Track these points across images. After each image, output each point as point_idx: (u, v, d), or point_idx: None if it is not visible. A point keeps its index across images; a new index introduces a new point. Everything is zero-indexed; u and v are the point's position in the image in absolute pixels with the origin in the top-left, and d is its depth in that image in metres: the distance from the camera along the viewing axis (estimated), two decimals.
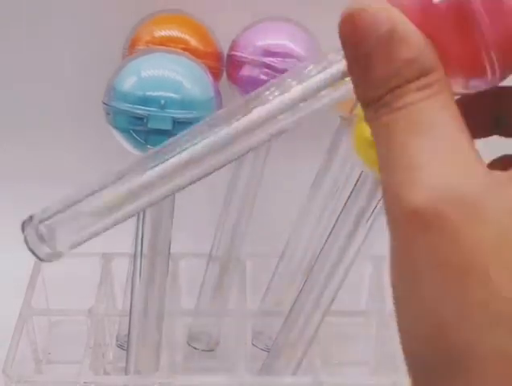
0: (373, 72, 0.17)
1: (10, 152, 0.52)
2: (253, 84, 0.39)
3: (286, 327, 0.42)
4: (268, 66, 0.38)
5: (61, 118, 0.50)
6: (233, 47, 0.40)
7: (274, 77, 0.38)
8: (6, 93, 0.50)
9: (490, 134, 0.21)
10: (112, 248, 0.47)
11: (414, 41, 0.17)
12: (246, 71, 0.39)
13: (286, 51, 0.38)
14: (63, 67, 0.49)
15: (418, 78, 0.17)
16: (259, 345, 0.46)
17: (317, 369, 0.40)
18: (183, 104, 0.32)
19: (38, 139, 0.51)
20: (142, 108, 0.32)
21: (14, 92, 0.50)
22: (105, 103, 0.33)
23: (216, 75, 0.38)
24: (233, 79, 0.40)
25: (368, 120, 0.18)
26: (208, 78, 0.34)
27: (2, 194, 0.52)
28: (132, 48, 0.39)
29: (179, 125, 0.32)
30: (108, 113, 0.33)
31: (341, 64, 0.18)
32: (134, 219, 0.38)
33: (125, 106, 0.32)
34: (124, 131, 0.33)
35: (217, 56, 0.40)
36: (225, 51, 0.41)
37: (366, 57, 0.17)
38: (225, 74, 0.41)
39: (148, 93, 0.32)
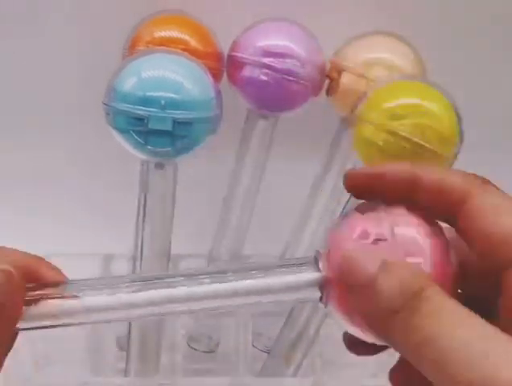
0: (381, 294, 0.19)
1: (10, 153, 0.52)
2: (253, 85, 0.39)
3: (286, 328, 0.42)
4: (268, 67, 0.38)
5: (61, 119, 0.50)
6: (233, 47, 0.40)
7: (275, 78, 0.38)
8: (6, 93, 0.50)
9: None
10: (112, 249, 0.47)
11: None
12: (247, 72, 0.39)
13: (286, 51, 0.38)
14: (63, 68, 0.49)
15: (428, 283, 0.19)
16: (259, 346, 0.46)
17: (317, 370, 0.40)
18: (184, 104, 0.32)
19: (38, 139, 0.51)
20: (143, 108, 0.32)
21: (14, 93, 0.50)
22: (105, 103, 0.33)
23: (216, 76, 0.38)
24: (234, 79, 0.40)
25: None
26: (208, 79, 0.33)
27: (1, 194, 0.52)
28: (132, 49, 0.39)
29: (180, 125, 0.32)
30: (108, 114, 0.33)
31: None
32: (134, 220, 0.38)
33: (126, 107, 0.32)
34: (124, 132, 0.32)
35: (218, 57, 0.40)
36: (226, 52, 0.41)
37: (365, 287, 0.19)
38: (225, 75, 0.41)
39: (148, 94, 0.32)
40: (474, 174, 0.21)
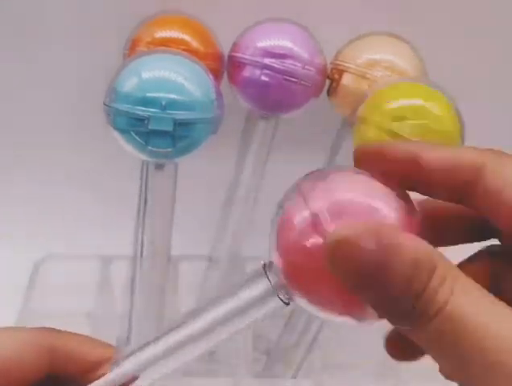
0: (393, 289, 0.17)
1: (10, 153, 0.52)
2: (254, 86, 0.38)
3: (286, 330, 0.42)
4: (269, 67, 0.38)
5: (61, 119, 0.50)
6: (233, 48, 0.40)
7: (275, 78, 0.38)
8: (6, 93, 0.50)
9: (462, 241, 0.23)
10: (111, 250, 0.47)
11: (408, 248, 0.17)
12: (247, 73, 0.39)
13: (287, 52, 0.38)
14: (63, 69, 0.48)
15: (431, 276, 0.17)
16: (260, 348, 0.46)
17: (318, 372, 0.40)
18: (185, 105, 0.32)
19: (37, 139, 0.51)
20: (143, 109, 0.31)
21: (14, 93, 0.50)
22: (105, 104, 0.33)
23: (217, 77, 0.38)
24: (234, 80, 0.40)
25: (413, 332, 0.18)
26: (209, 79, 0.33)
27: (1, 194, 0.52)
28: (133, 49, 0.39)
29: (181, 126, 0.32)
30: (108, 114, 0.33)
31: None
32: (134, 221, 0.38)
33: (126, 107, 0.32)
34: (124, 132, 0.32)
35: (218, 57, 0.40)
36: (226, 52, 0.41)
37: (379, 279, 0.17)
38: (225, 75, 0.41)
39: (149, 94, 0.31)
40: (486, 149, 0.20)
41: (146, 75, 0.32)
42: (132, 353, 0.22)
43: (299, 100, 0.39)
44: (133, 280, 0.39)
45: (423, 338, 0.17)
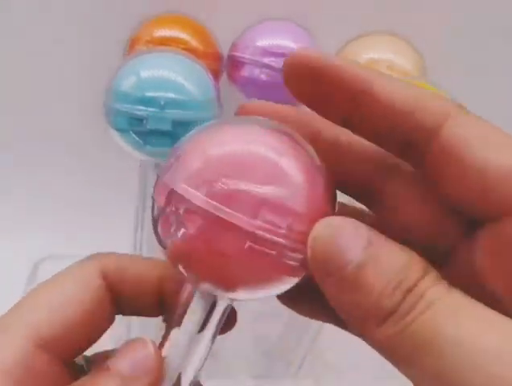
0: (376, 288, 0.15)
1: (10, 152, 0.51)
2: (253, 85, 0.38)
3: (286, 331, 0.42)
4: (268, 66, 0.38)
5: (61, 119, 0.50)
6: (233, 47, 0.40)
7: (274, 77, 0.38)
8: (6, 93, 0.50)
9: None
10: (111, 250, 0.47)
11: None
12: (246, 72, 0.39)
13: (286, 51, 0.38)
14: (62, 68, 0.48)
15: (425, 273, 0.15)
16: (260, 349, 0.46)
17: (318, 373, 0.40)
18: (183, 104, 0.31)
19: (37, 139, 0.51)
20: (142, 108, 0.31)
21: (14, 93, 0.50)
22: (104, 104, 0.33)
23: (216, 76, 0.38)
24: (234, 79, 0.40)
25: (387, 337, 0.15)
26: (208, 78, 0.33)
27: (1, 194, 0.52)
28: (132, 48, 0.39)
29: (179, 125, 0.31)
30: (107, 114, 0.33)
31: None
32: (133, 220, 0.38)
33: (125, 107, 0.32)
34: (123, 132, 0.32)
35: (217, 57, 0.40)
36: (225, 52, 0.41)
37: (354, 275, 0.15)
38: (225, 74, 0.41)
39: (148, 94, 0.31)
40: (449, 100, 0.17)
41: (144, 74, 0.32)
42: None
43: None
44: None
45: (398, 343, 0.15)
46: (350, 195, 0.19)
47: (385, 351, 0.15)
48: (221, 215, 0.16)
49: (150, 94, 0.31)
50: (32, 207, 0.53)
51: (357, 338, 0.18)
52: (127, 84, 0.32)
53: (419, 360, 0.14)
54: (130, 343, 0.19)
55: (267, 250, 0.16)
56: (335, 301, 0.16)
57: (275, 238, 0.16)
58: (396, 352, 0.15)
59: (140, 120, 0.31)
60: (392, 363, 0.15)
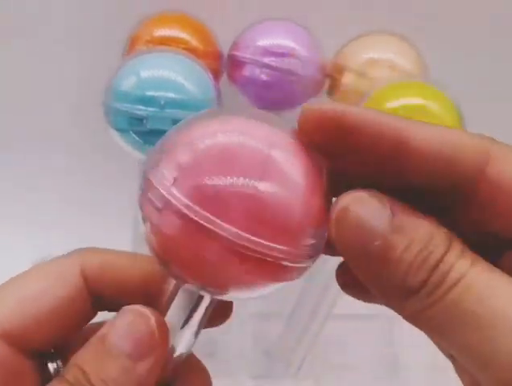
0: (403, 263, 0.15)
1: (10, 152, 0.51)
2: (253, 84, 0.38)
3: (286, 331, 0.42)
4: (269, 66, 0.38)
5: (61, 119, 0.50)
6: (233, 47, 0.40)
7: (275, 77, 0.38)
8: (6, 93, 0.50)
9: None
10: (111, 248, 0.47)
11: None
12: (247, 72, 0.39)
13: (286, 51, 0.38)
14: (62, 68, 0.48)
15: (451, 245, 0.15)
16: (260, 348, 0.46)
17: (318, 373, 0.40)
18: (183, 104, 0.31)
19: (37, 140, 0.51)
20: (142, 108, 0.31)
21: (14, 93, 0.50)
22: (104, 103, 0.33)
23: (216, 75, 0.38)
24: (234, 79, 0.40)
25: (414, 313, 0.15)
26: (208, 78, 0.33)
27: (1, 195, 0.52)
28: (132, 48, 0.39)
29: None
30: (107, 114, 0.33)
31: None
32: (134, 220, 0.38)
33: (125, 106, 0.32)
34: (123, 132, 0.32)
35: (218, 56, 0.40)
36: (226, 51, 0.41)
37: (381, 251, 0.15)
38: (225, 74, 0.41)
39: (148, 93, 0.31)
40: (483, 135, 0.17)
41: (144, 74, 0.32)
42: None
43: (298, 99, 0.39)
44: None
45: (429, 316, 0.15)
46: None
47: (415, 323, 0.15)
48: (204, 223, 0.15)
49: (150, 94, 0.31)
50: (32, 207, 0.53)
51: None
52: (127, 83, 0.32)
53: (452, 333, 0.15)
54: (127, 314, 0.18)
55: (251, 253, 0.15)
56: (362, 274, 0.16)
57: (261, 241, 0.15)
58: (426, 325, 0.15)
59: (140, 119, 0.31)
60: (425, 334, 0.16)
